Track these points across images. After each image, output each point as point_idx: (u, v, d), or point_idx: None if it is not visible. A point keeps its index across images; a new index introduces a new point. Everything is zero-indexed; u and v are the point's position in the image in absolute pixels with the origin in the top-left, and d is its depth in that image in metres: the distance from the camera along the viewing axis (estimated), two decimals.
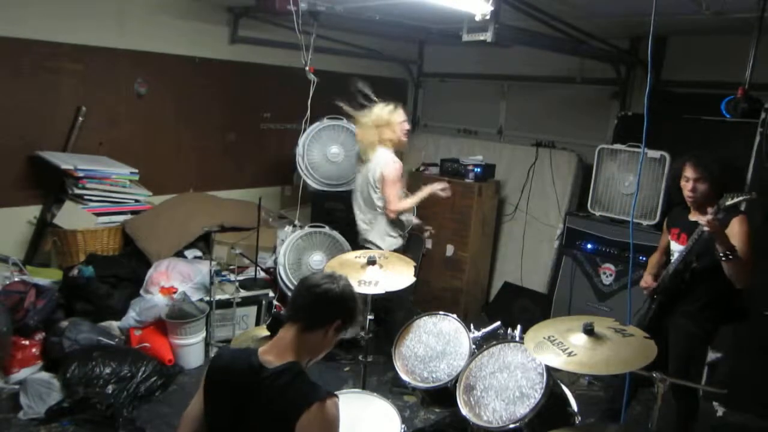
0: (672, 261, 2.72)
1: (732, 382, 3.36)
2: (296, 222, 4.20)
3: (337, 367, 3.73)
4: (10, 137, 3.73)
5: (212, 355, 3.66)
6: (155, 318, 3.59)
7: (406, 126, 3.50)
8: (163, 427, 3.03)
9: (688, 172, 2.61)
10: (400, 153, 3.56)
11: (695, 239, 2.50)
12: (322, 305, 1.60)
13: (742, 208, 2.75)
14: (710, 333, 2.70)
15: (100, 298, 3.60)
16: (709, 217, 2.34)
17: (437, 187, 3.54)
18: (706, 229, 2.38)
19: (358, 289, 2.52)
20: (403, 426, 2.12)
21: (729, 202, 2.32)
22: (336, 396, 1.50)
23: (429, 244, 4.91)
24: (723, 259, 2.40)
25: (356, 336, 2.72)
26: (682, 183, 2.66)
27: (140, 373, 3.20)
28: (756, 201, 2.46)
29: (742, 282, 2.47)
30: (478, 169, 4.62)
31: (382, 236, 3.50)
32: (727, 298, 2.61)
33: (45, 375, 3.12)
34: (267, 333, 2.18)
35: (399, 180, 3.42)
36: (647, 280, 2.86)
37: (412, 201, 3.52)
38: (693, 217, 2.67)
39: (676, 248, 2.73)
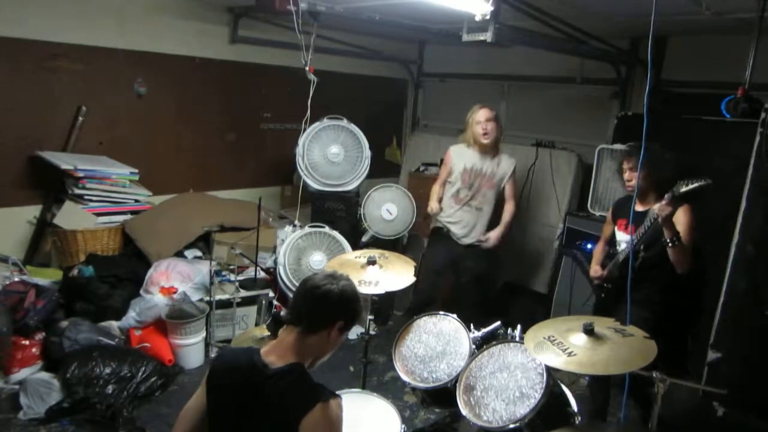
0: (620, 250, 2.81)
1: (732, 382, 3.36)
2: (296, 222, 4.20)
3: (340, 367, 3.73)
4: (10, 137, 3.73)
5: (213, 356, 3.69)
6: (155, 318, 3.59)
7: (482, 127, 3.59)
8: (163, 427, 3.03)
9: (624, 163, 2.78)
10: (489, 152, 3.71)
11: (647, 226, 2.57)
12: (322, 307, 1.58)
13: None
14: (662, 318, 2.77)
15: (100, 298, 3.60)
16: (663, 202, 2.43)
17: None
18: (655, 216, 2.48)
19: (359, 289, 2.53)
20: (403, 426, 2.12)
21: (684, 189, 2.36)
22: (339, 397, 1.49)
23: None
24: (669, 245, 2.52)
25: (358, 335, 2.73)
26: (624, 175, 2.80)
27: (140, 373, 3.20)
28: (758, 201, 2.47)
29: (682, 267, 2.61)
30: None
31: None
32: (676, 286, 2.71)
33: (45, 375, 3.12)
34: (267, 333, 2.18)
35: (444, 169, 3.82)
36: (596, 270, 2.97)
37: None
38: (639, 207, 2.77)
39: (623, 238, 2.83)
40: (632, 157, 2.73)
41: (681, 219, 2.60)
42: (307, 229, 4.12)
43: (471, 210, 3.71)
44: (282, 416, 1.46)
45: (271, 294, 3.95)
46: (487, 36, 2.77)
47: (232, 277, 3.89)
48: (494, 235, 3.76)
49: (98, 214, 3.89)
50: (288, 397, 1.47)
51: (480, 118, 3.58)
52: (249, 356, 1.57)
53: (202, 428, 1.61)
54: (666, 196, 2.43)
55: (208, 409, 1.60)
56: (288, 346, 1.56)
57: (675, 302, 2.80)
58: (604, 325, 2.05)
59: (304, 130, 4.07)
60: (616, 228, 2.91)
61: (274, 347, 1.58)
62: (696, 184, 2.33)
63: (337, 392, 1.53)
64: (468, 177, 3.66)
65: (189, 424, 1.62)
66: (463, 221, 3.74)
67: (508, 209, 3.85)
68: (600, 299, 2.98)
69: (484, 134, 3.59)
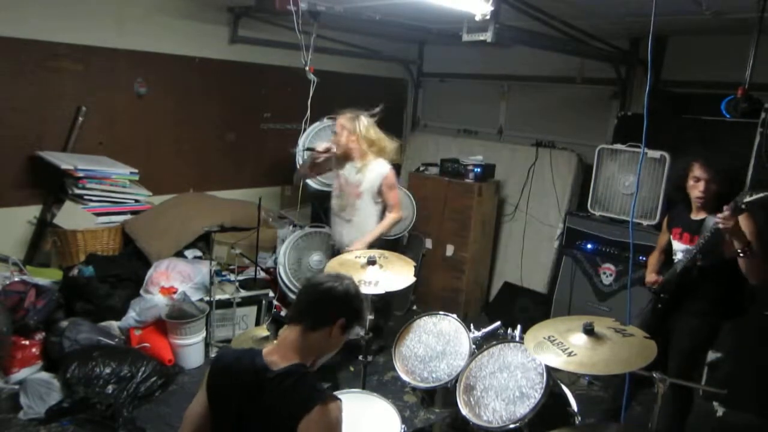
0: (677, 260, 2.71)
1: (732, 382, 3.36)
2: (296, 222, 4.20)
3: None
4: (10, 137, 3.73)
5: (213, 356, 3.69)
6: (155, 318, 3.59)
7: (334, 137, 3.42)
8: (163, 427, 3.03)
9: (699, 173, 2.59)
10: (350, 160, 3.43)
11: (707, 236, 2.47)
12: (325, 303, 1.60)
13: None
14: (716, 329, 2.73)
15: (100, 298, 3.60)
16: (726, 213, 2.31)
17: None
18: (720, 226, 2.35)
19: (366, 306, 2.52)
20: (403, 426, 2.12)
21: (748, 199, 2.28)
22: (339, 399, 1.49)
23: (429, 244, 4.92)
24: (741, 255, 2.38)
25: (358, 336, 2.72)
26: (691, 183, 2.63)
27: (140, 373, 3.20)
28: (757, 201, 2.46)
29: (756, 278, 2.47)
30: (478, 169, 4.62)
31: None
32: (732, 294, 2.63)
33: (45, 375, 3.12)
34: (267, 333, 2.18)
35: None
36: (652, 277, 2.84)
37: None
38: (696, 216, 2.67)
39: (679, 247, 2.73)
40: (711, 168, 2.56)
41: (745, 228, 2.45)
42: (307, 229, 4.12)
43: (342, 222, 3.47)
44: (281, 418, 1.46)
45: (271, 294, 3.95)
46: (487, 36, 2.76)
47: (232, 277, 3.89)
48: (356, 243, 3.31)
49: (98, 214, 3.89)
50: (287, 399, 1.47)
51: (335, 127, 3.40)
52: (250, 358, 1.57)
53: (207, 429, 1.61)
54: (728, 206, 2.33)
55: (210, 410, 1.59)
56: (290, 345, 1.56)
57: (729, 313, 2.72)
58: (603, 325, 2.05)
59: (304, 130, 4.07)
60: (671, 237, 2.81)
61: (276, 347, 1.58)
62: (761, 195, 2.25)
63: (337, 392, 1.53)
64: (337, 183, 3.48)
65: (194, 426, 1.62)
66: (337, 233, 3.52)
67: (386, 217, 3.44)
68: (656, 309, 2.83)
69: (336, 143, 3.38)
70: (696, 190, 2.61)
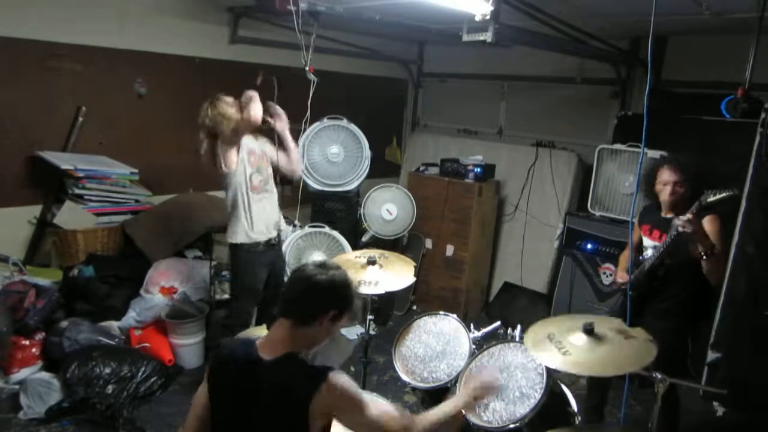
0: (646, 257, 2.75)
1: (732, 382, 3.36)
2: (296, 222, 4.20)
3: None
4: (10, 137, 3.72)
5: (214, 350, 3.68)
6: (155, 318, 3.60)
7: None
8: (163, 427, 3.03)
9: (667, 176, 2.65)
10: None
11: (673, 236, 2.51)
12: (312, 297, 1.57)
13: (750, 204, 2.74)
14: (683, 329, 2.74)
15: (100, 298, 3.60)
16: (688, 216, 2.36)
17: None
18: (680, 230, 2.40)
19: (359, 289, 2.52)
20: None
21: (711, 199, 2.32)
22: (333, 368, 1.50)
23: (429, 244, 4.92)
24: (704, 257, 2.44)
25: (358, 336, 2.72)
26: (659, 187, 2.68)
27: (140, 373, 3.20)
28: (758, 201, 2.46)
29: (716, 279, 2.54)
30: (478, 169, 4.63)
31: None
32: (699, 295, 2.66)
33: (45, 375, 3.13)
34: (267, 333, 2.18)
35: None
36: (623, 276, 2.88)
37: None
38: (666, 214, 2.71)
39: (648, 244, 2.77)
40: (679, 170, 2.61)
41: (708, 230, 2.50)
42: (307, 229, 4.12)
43: (269, 195, 3.35)
44: (284, 405, 1.47)
45: None
46: (487, 36, 2.76)
47: None
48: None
49: (98, 214, 3.89)
50: (288, 386, 1.48)
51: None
52: (246, 349, 1.58)
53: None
54: (693, 207, 2.37)
55: (210, 401, 1.61)
56: (279, 340, 1.56)
57: (696, 313, 2.74)
58: (607, 326, 2.05)
59: (304, 130, 4.07)
60: (642, 233, 2.84)
61: (266, 341, 1.59)
62: (724, 194, 2.29)
63: None
64: (253, 158, 3.35)
65: (199, 415, 1.63)
66: (269, 208, 3.34)
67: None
68: (624, 307, 2.88)
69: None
70: (664, 193, 2.66)
